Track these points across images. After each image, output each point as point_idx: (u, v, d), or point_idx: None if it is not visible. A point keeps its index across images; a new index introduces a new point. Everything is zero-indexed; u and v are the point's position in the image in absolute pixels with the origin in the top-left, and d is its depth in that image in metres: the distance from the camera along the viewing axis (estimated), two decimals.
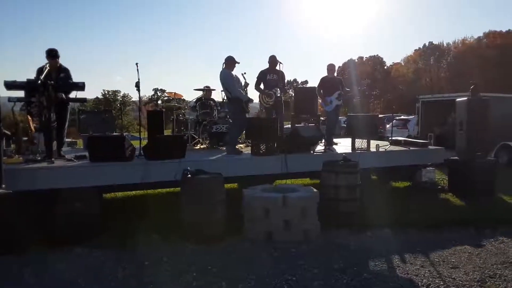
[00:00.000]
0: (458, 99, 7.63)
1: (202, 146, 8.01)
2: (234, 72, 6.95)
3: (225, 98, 7.54)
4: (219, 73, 6.88)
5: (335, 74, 8.60)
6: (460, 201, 6.68)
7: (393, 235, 4.93)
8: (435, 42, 55.39)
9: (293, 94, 10.48)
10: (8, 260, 4.00)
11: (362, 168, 5.85)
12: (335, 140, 8.20)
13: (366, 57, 63.00)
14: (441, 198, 6.97)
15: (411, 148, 7.69)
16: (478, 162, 6.98)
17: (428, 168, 7.38)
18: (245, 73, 7.52)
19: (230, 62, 6.86)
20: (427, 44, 56.02)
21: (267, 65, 7.61)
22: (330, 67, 8.22)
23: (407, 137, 10.70)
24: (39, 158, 5.49)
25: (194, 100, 9.05)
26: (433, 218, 5.57)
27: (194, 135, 8.32)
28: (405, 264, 4.05)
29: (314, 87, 8.38)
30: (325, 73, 8.12)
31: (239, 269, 3.90)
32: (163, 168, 5.53)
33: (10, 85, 5.34)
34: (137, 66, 6.02)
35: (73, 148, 7.89)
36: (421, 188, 7.24)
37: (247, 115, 7.16)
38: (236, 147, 7.03)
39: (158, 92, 63.35)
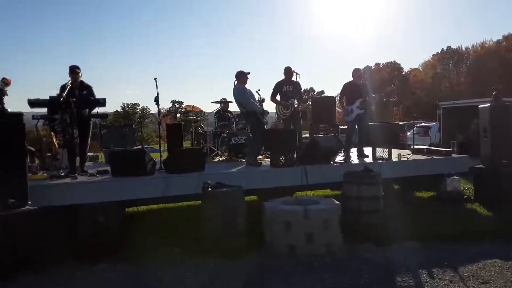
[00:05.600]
0: (480, 106, 7.45)
1: (221, 159, 8.03)
2: (248, 86, 6.96)
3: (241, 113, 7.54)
4: (232, 90, 6.91)
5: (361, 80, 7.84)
6: (488, 211, 6.46)
7: (419, 248, 4.78)
8: (454, 46, 54.57)
9: (310, 104, 10.42)
10: (34, 276, 4.05)
11: (384, 178, 5.75)
12: (355, 149, 8.05)
13: (383, 64, 62.46)
14: (468, 208, 6.76)
15: (434, 157, 7.52)
16: (504, 170, 6.77)
17: (452, 177, 7.18)
18: (259, 90, 7.50)
19: (241, 77, 6.88)
20: (445, 48, 55.23)
21: (282, 77, 7.61)
22: (355, 73, 7.73)
23: (429, 144, 10.50)
24: (62, 174, 5.59)
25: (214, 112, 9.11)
26: (460, 229, 5.39)
27: (213, 148, 8.35)
28: (433, 280, 3.92)
29: (332, 96, 8.29)
30: (342, 80, 7.90)
31: (263, 284, 3.85)
32: (183, 181, 5.56)
33: (33, 103, 5.49)
34: (156, 81, 6.11)
35: (95, 162, 8.02)
36: (446, 198, 7.04)
37: (265, 127, 7.16)
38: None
39: (176, 104, 64.17)
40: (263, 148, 7.66)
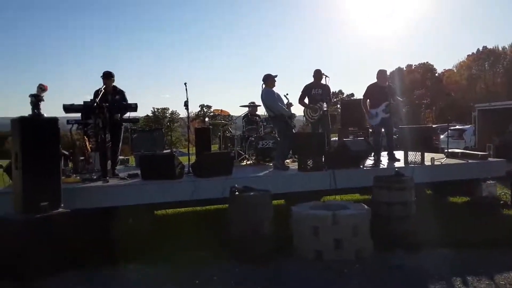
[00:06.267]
0: None
1: (248, 162, 8.03)
2: (276, 89, 6.94)
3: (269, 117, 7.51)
4: (260, 93, 6.90)
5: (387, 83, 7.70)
6: None
7: (453, 256, 4.60)
8: (490, 46, 52.67)
9: (339, 107, 10.29)
10: (68, 276, 4.16)
11: (416, 183, 5.57)
12: (386, 153, 7.87)
13: (415, 65, 61.02)
14: (504, 214, 6.47)
15: (469, 161, 7.24)
16: None
17: (488, 182, 6.90)
18: (287, 94, 7.45)
19: (269, 80, 6.86)
20: (480, 48, 53.38)
21: (311, 80, 7.53)
22: (381, 74, 7.58)
23: (463, 148, 10.14)
24: (95, 177, 5.74)
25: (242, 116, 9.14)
26: (495, 236, 5.16)
27: (240, 151, 8.37)
28: None
29: (362, 99, 8.08)
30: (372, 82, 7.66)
31: None
32: (211, 185, 5.59)
33: (68, 108, 5.68)
34: (185, 86, 6.21)
35: (126, 165, 8.20)
36: (481, 204, 6.75)
37: (293, 130, 7.10)
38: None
39: (204, 108, 64.97)
40: (291, 152, 7.62)
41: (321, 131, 7.19)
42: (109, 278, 4.18)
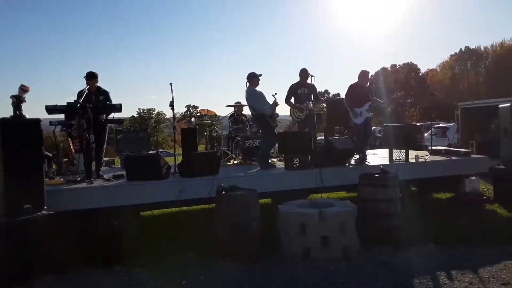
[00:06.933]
0: (501, 105, 7.28)
1: (235, 162, 8.02)
2: (260, 88, 6.94)
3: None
4: (245, 92, 6.91)
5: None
6: (508, 212, 6.31)
7: (437, 251, 4.68)
8: (472, 46, 53.55)
9: (325, 106, 10.35)
10: (52, 280, 4.09)
11: (401, 180, 5.64)
12: (371, 151, 7.96)
13: (399, 65, 61.69)
14: (487, 209, 6.60)
15: (452, 158, 7.37)
16: None
17: (471, 178, 7.02)
18: (276, 93, 7.43)
19: (253, 79, 6.86)
20: (463, 48, 54.25)
21: (298, 79, 7.55)
22: (363, 75, 7.66)
23: (447, 145, 10.30)
24: (79, 179, 5.66)
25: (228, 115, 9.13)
26: (479, 231, 5.27)
27: (227, 151, 8.35)
28: (452, 282, 3.83)
29: (345, 98, 8.14)
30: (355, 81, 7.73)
31: None
32: (198, 185, 5.56)
33: (51, 109, 5.57)
34: (171, 86, 6.16)
35: (111, 167, 8.10)
36: (464, 200, 6.87)
37: (276, 130, 7.11)
38: (269, 161, 6.99)
39: (190, 108, 64.69)
40: (277, 150, 7.61)
41: (308, 130, 7.21)
42: (94, 281, 4.12)
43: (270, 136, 6.87)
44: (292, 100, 7.49)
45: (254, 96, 6.81)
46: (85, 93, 5.86)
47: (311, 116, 7.37)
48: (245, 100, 7.00)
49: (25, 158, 4.29)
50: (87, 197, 5.11)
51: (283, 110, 8.05)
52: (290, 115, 7.68)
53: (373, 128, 7.89)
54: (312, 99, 7.40)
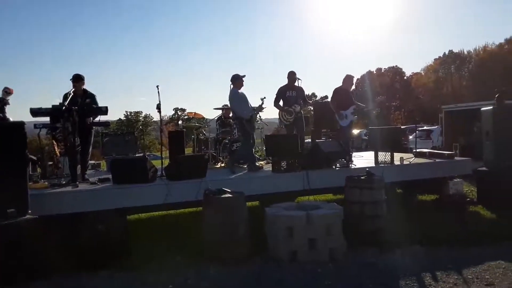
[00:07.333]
0: (483, 108, 7.43)
1: (222, 165, 8.01)
2: (247, 89, 6.93)
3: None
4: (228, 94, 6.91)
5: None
6: (491, 214, 6.42)
7: (423, 252, 4.75)
8: (456, 50, 54.59)
9: (312, 109, 10.41)
10: (36, 285, 4.03)
11: (387, 182, 5.71)
12: (357, 153, 8.04)
13: (385, 68, 62.49)
14: (471, 211, 6.72)
15: (436, 160, 7.48)
16: (508, 172, 6.72)
17: (455, 180, 7.14)
18: (264, 97, 7.44)
19: (237, 81, 6.86)
20: (447, 52, 55.24)
21: (285, 82, 7.59)
22: (348, 79, 7.85)
23: (431, 148, 10.45)
24: (64, 182, 5.59)
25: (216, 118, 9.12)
26: (463, 232, 5.35)
27: (214, 154, 8.34)
28: (437, 283, 3.89)
29: (331, 101, 8.24)
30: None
31: None
32: (185, 188, 5.54)
33: (36, 112, 5.50)
34: (158, 89, 6.12)
35: (97, 170, 8.01)
36: (449, 201, 6.99)
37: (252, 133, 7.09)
38: (257, 163, 7.00)
39: (178, 111, 64.35)
40: (264, 153, 7.61)
41: (295, 133, 7.25)
42: (80, 286, 4.07)
43: (246, 140, 6.87)
44: (281, 103, 7.53)
45: (234, 98, 6.80)
46: (71, 95, 5.80)
47: (299, 119, 7.42)
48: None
49: (8, 162, 4.24)
50: (72, 201, 5.05)
51: (271, 113, 8.08)
52: (279, 118, 7.71)
53: (359, 131, 8.01)
54: (301, 101, 7.45)
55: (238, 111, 6.75)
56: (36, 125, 6.06)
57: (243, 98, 6.91)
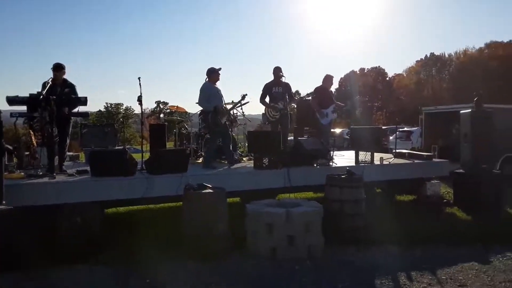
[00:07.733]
0: (462, 111, 7.58)
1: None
2: (226, 84, 6.94)
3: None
4: None
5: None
6: (466, 216, 6.56)
7: (399, 252, 4.83)
8: (437, 53, 55.55)
9: (295, 106, 10.43)
10: (9, 277, 3.93)
11: (366, 182, 5.77)
12: (338, 152, 8.12)
13: (368, 69, 63.13)
14: (447, 212, 6.86)
15: (415, 161, 7.61)
16: (484, 175, 6.88)
17: (433, 181, 7.28)
18: (246, 94, 7.40)
19: (212, 74, 6.82)
20: (428, 55, 56.17)
21: (270, 78, 7.57)
22: (328, 79, 8.11)
23: (410, 149, 10.61)
24: (40, 173, 5.45)
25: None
26: (438, 233, 5.46)
27: (196, 149, 8.28)
28: (411, 283, 3.96)
29: (311, 99, 8.33)
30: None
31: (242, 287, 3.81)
32: (165, 182, 5.48)
33: (12, 100, 5.34)
34: (139, 81, 6.03)
35: (75, 162, 7.85)
36: (426, 202, 7.12)
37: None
38: (234, 160, 6.98)
39: (160, 104, 63.59)
40: (246, 149, 7.58)
41: (279, 130, 7.25)
42: (55, 280, 3.99)
43: (211, 135, 6.90)
44: (267, 99, 7.50)
45: (203, 91, 6.76)
46: (49, 84, 5.65)
47: (284, 115, 7.42)
48: None
49: None
50: (49, 192, 4.94)
51: (254, 109, 8.08)
52: (265, 114, 7.70)
53: (341, 130, 8.19)
54: (287, 98, 7.46)
55: (203, 104, 6.71)
56: (12, 114, 5.88)
57: (213, 92, 6.82)
